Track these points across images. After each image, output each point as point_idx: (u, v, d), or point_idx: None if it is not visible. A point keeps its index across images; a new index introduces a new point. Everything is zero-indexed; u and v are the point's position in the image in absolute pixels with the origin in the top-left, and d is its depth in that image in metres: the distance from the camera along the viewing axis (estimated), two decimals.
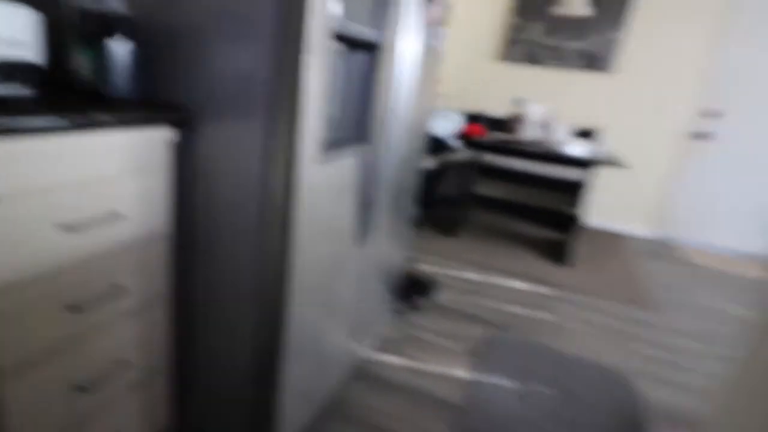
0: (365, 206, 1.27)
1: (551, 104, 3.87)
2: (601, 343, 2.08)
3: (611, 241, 3.67)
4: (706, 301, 2.71)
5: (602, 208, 3.97)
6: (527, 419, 1.54)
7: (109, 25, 0.90)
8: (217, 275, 1.05)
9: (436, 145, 3.13)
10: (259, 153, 0.92)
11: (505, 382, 1.72)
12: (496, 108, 3.98)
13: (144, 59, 0.98)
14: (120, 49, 0.90)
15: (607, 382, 1.81)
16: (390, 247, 1.68)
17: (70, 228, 0.80)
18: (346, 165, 1.11)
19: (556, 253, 3.20)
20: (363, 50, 1.16)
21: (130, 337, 0.99)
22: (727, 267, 3.36)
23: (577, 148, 2.87)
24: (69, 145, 0.77)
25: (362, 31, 1.03)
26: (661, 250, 3.60)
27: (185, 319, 1.13)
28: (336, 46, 1.04)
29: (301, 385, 1.21)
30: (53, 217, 0.77)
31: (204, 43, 0.91)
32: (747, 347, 1.11)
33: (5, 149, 0.67)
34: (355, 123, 1.16)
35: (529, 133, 3.09)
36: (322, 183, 1.03)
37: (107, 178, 0.85)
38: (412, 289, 2.12)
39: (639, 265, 3.18)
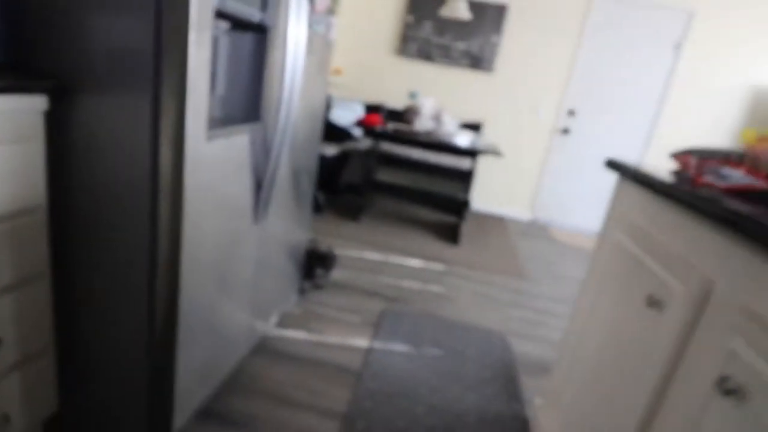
0: (259, 184, 1.28)
1: (443, 98, 4.12)
2: (482, 309, 2.32)
3: (494, 223, 4.04)
4: (568, 272, 3.13)
5: (487, 194, 4.35)
6: (419, 377, 1.68)
7: None
8: (103, 252, 0.99)
9: (338, 134, 3.18)
10: (147, 128, 0.89)
11: (399, 348, 1.84)
12: (395, 100, 4.14)
13: (10, 21, 0.88)
14: None
15: (486, 341, 2.02)
16: (290, 227, 1.70)
17: None
18: (237, 143, 1.11)
19: (448, 234, 3.45)
20: (251, 31, 1.16)
21: (4, 315, 0.91)
22: (584, 243, 3.90)
23: (463, 139, 3.11)
24: None
25: (247, 10, 1.04)
26: (534, 230, 4.05)
27: (70, 297, 1.05)
28: (220, 24, 1.04)
29: (198, 361, 1.19)
30: None
31: (83, 11, 0.86)
32: (574, 303, 1.34)
33: None
34: (245, 102, 1.16)
35: (423, 124, 3.27)
36: (212, 159, 1.02)
37: None
38: (313, 263, 2.15)
39: (516, 244, 3.55)
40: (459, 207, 3.48)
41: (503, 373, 1.81)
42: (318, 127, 1.74)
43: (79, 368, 1.11)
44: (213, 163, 1.02)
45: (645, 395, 0.88)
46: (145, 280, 1.00)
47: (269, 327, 1.76)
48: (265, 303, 1.61)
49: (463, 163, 3.76)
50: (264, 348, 1.68)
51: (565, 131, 4.06)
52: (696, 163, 1.06)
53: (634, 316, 1.00)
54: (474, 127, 3.93)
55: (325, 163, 3.14)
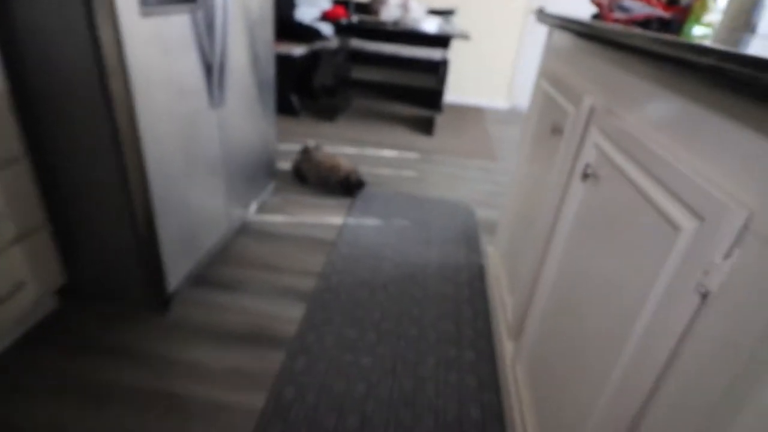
0: (209, 66, 1.32)
1: None
2: (451, 187, 2.45)
3: (472, 114, 4.04)
4: None
5: (464, 86, 4.28)
6: (387, 242, 1.85)
7: None
8: (69, 131, 1.07)
9: (305, 32, 3.07)
10: (81, 6, 0.92)
11: (370, 222, 2.00)
12: None
13: None
14: None
15: (452, 211, 2.18)
16: (253, 118, 1.76)
17: None
18: (175, 22, 1.13)
19: (424, 126, 3.48)
20: None
21: None
22: None
23: (430, 25, 3.01)
24: None
25: None
26: (509, 117, 4.06)
27: (54, 180, 1.16)
28: None
29: (179, 233, 1.33)
30: None
31: None
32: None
33: None
34: None
35: (389, 13, 3.14)
36: (151, 36, 1.05)
37: None
38: (348, 190, 2.21)
39: (491, 131, 3.60)
40: (433, 99, 3.47)
41: (465, 235, 1.98)
42: (268, 13, 1.71)
43: (78, 244, 1.26)
44: (152, 40, 1.05)
45: (551, 208, 1.01)
46: (112, 156, 1.09)
47: (250, 213, 1.90)
48: (240, 190, 1.72)
49: (435, 54, 3.67)
50: (247, 230, 1.84)
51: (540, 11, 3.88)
52: (607, 2, 1.09)
53: (543, 147, 1.11)
54: (447, 13, 3.76)
55: (294, 63, 3.07)
